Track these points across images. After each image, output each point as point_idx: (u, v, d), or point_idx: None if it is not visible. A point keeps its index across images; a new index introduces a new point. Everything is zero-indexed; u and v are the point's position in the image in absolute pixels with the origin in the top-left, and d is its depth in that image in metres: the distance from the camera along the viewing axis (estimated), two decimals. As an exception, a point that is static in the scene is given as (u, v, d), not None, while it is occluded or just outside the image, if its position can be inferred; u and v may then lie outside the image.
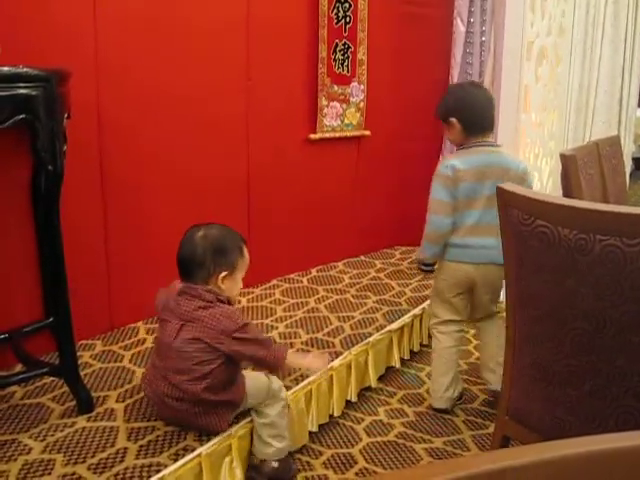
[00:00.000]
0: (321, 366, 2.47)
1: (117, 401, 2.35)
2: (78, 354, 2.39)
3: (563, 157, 2.97)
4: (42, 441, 2.09)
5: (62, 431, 2.15)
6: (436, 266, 2.85)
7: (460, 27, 4.37)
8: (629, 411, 1.59)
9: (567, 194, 2.97)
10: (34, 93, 1.89)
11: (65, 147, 2.06)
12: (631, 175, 7.73)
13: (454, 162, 2.67)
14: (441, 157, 4.57)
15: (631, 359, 1.56)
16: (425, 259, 2.77)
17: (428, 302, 2.98)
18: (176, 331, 2.08)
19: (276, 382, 2.29)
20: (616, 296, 1.52)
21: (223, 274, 2.15)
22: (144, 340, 2.88)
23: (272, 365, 2.20)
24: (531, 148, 4.37)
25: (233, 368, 2.16)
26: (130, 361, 2.68)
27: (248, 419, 2.23)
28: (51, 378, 2.45)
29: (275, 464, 2.25)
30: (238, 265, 2.20)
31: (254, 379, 2.24)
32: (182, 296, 2.14)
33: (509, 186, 1.74)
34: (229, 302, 2.18)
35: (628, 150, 6.94)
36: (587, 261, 1.54)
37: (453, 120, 2.72)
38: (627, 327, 1.54)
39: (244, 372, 2.23)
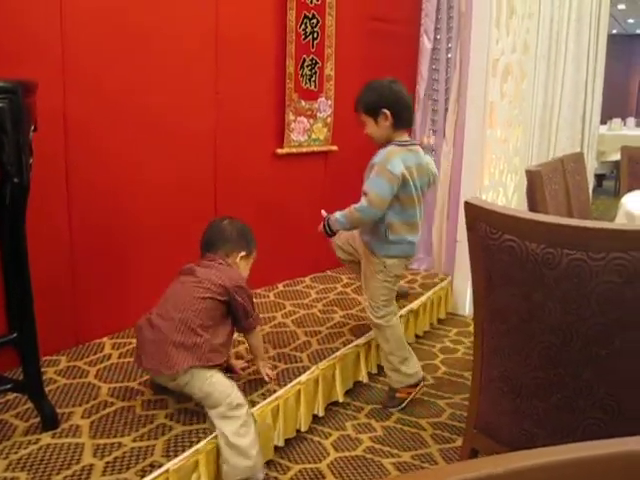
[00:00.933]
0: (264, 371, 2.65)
1: (82, 417, 2.31)
2: (42, 370, 2.35)
3: (529, 173, 3.01)
4: (5, 459, 2.04)
5: (26, 448, 2.10)
6: (382, 267, 2.92)
7: (426, 44, 4.42)
8: (596, 423, 1.61)
9: (532, 209, 3.01)
10: (0, 105, 1.87)
11: (31, 160, 2.04)
12: (593, 191, 7.85)
13: (399, 162, 2.75)
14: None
15: (597, 372, 1.58)
16: (337, 231, 2.92)
17: (373, 304, 2.99)
18: (190, 272, 2.47)
19: (238, 398, 2.30)
20: (582, 310, 1.55)
21: (242, 253, 2.58)
22: (110, 355, 2.84)
23: (253, 323, 2.52)
24: (496, 164, 4.43)
25: (226, 328, 2.45)
26: (95, 377, 2.64)
27: (215, 433, 2.22)
28: (14, 394, 2.41)
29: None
30: (252, 253, 2.64)
31: (222, 380, 2.32)
32: (200, 260, 2.54)
33: (477, 201, 1.76)
34: None
35: (591, 166, 7.05)
36: (554, 275, 1.56)
37: (387, 112, 2.80)
38: (593, 340, 1.56)
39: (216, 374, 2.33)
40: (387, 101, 2.81)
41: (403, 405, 3.00)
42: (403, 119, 2.84)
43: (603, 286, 1.51)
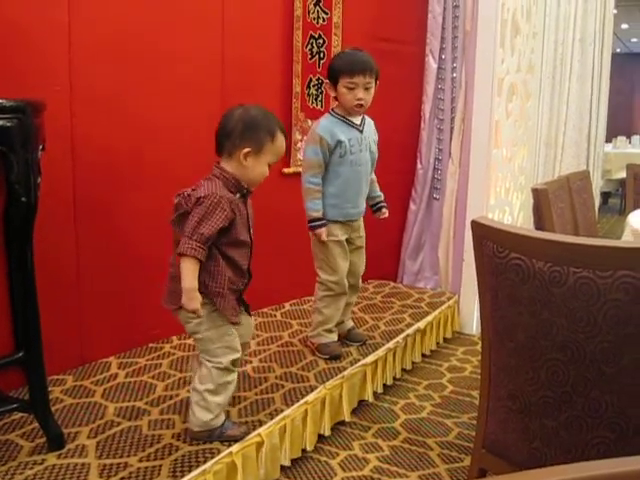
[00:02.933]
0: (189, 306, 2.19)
1: (89, 437, 2.31)
2: (49, 389, 2.35)
3: (535, 191, 3.01)
4: (10, 479, 2.04)
5: (31, 469, 2.10)
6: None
7: (432, 63, 4.44)
8: (604, 442, 1.60)
9: (539, 228, 3.01)
10: (9, 124, 1.88)
11: (39, 179, 2.05)
12: (599, 209, 7.86)
13: None
14: (414, 192, 4.61)
15: (604, 390, 1.58)
16: None
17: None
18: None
19: (234, 354, 2.31)
20: (590, 327, 1.54)
21: (246, 150, 2.24)
22: (116, 375, 2.84)
23: (182, 246, 2.14)
24: (502, 182, 4.43)
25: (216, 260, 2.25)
26: (102, 396, 2.63)
27: (223, 454, 2.21)
28: (20, 414, 2.40)
29: (196, 428, 2.29)
30: (265, 147, 2.27)
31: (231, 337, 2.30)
32: None
33: (484, 219, 1.76)
34: (237, 183, 2.28)
35: (596, 184, 7.05)
36: (561, 293, 1.56)
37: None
38: (601, 358, 1.55)
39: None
40: None
41: None
42: None
43: (610, 304, 1.50)
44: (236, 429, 2.34)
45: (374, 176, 3.25)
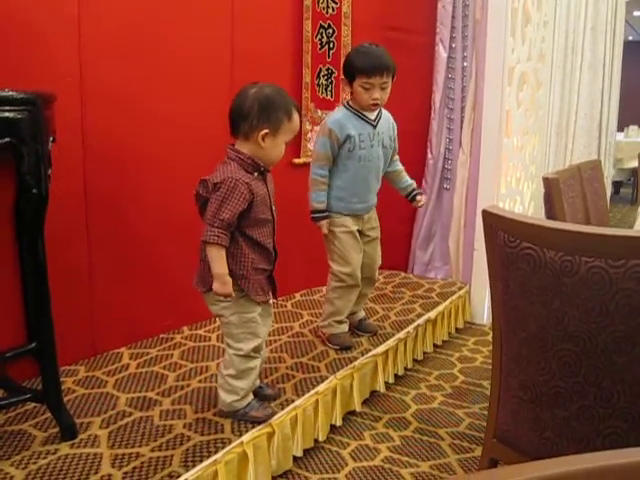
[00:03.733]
0: (222, 290, 2.22)
1: (101, 427, 2.32)
2: (61, 380, 2.35)
3: (546, 180, 3.00)
4: (24, 469, 2.05)
5: (45, 458, 2.11)
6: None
7: (442, 53, 4.42)
8: (616, 432, 1.60)
9: (550, 217, 2.99)
10: (20, 116, 1.89)
11: (50, 171, 2.05)
12: (610, 198, 7.82)
13: None
14: (424, 182, 4.60)
15: (616, 380, 1.57)
16: None
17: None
18: None
19: (255, 341, 2.36)
20: (602, 317, 1.53)
21: (264, 131, 2.22)
22: (128, 365, 2.85)
23: (205, 233, 2.19)
24: (513, 172, 4.41)
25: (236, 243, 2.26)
26: (114, 387, 2.65)
27: (234, 444, 2.22)
28: (33, 404, 2.42)
29: (222, 407, 2.40)
30: (282, 127, 2.26)
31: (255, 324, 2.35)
32: None
33: (495, 209, 1.76)
34: (254, 162, 2.26)
35: (608, 174, 7.01)
36: (573, 283, 1.55)
37: None
38: (612, 348, 1.55)
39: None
40: None
41: None
42: None
43: (622, 293, 1.49)
44: (261, 411, 2.38)
45: (401, 166, 3.27)
